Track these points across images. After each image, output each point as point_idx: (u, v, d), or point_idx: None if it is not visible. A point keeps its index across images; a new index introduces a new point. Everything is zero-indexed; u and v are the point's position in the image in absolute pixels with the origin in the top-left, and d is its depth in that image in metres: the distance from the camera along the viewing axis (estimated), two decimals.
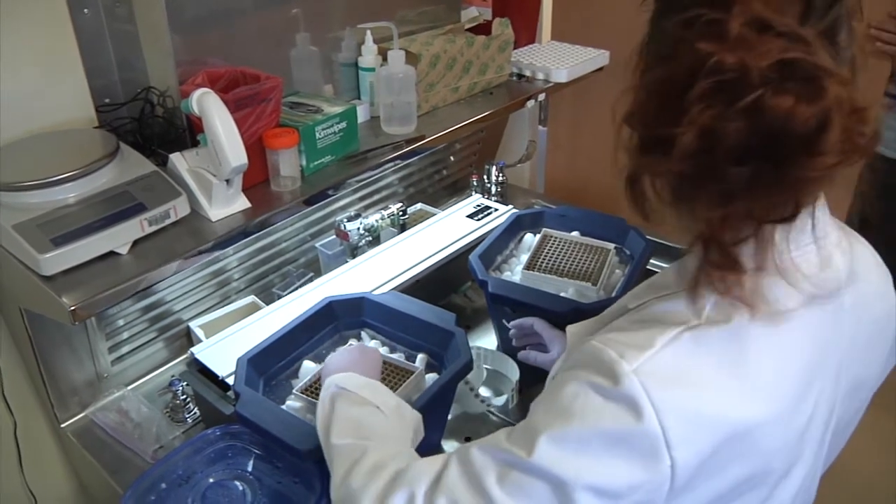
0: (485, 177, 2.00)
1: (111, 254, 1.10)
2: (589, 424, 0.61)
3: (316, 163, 1.33)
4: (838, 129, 0.53)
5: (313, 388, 1.17)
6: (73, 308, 1.00)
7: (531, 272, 1.44)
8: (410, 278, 1.52)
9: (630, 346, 0.62)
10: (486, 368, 1.42)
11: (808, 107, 0.53)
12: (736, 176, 0.56)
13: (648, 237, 1.50)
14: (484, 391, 1.37)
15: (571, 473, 0.61)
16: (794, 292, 0.65)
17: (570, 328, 0.79)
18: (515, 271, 1.49)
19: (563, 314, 1.29)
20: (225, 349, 1.32)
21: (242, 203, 1.23)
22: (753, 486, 0.67)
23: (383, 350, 1.28)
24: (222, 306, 1.53)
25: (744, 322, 0.63)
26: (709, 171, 0.56)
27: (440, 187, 2.03)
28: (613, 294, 1.39)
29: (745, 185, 0.56)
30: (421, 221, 1.74)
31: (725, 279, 0.61)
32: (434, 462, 0.71)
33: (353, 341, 1.29)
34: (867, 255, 0.75)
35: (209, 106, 1.11)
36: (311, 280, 1.58)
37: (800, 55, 0.53)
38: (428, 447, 1.26)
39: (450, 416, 1.30)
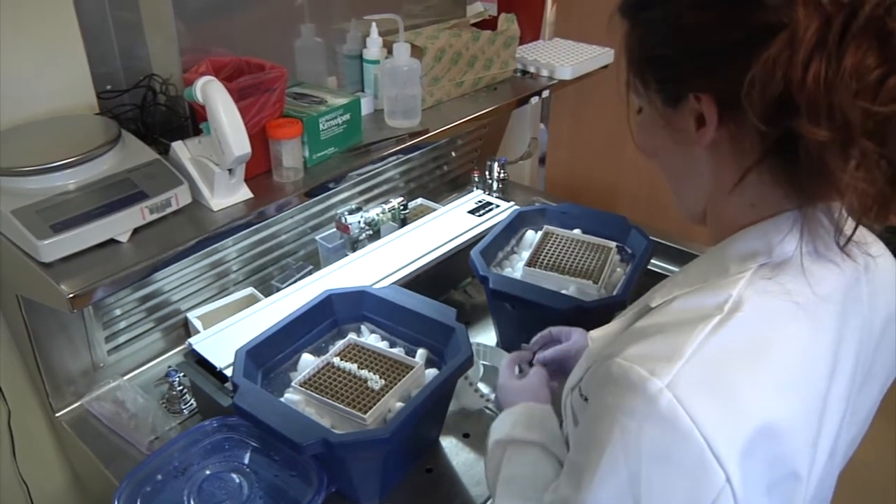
0: (486, 173, 1.99)
1: (111, 241, 1.08)
2: (633, 452, 0.59)
3: (319, 154, 1.32)
4: None
5: (312, 381, 1.17)
6: (71, 295, 0.99)
7: (532, 269, 1.43)
8: (410, 273, 1.52)
9: (658, 359, 0.59)
10: (484, 364, 1.41)
11: None
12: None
13: (650, 237, 1.49)
14: (482, 387, 1.36)
15: None
16: (828, 276, 0.64)
17: (592, 334, 0.76)
18: (516, 268, 1.48)
19: (564, 312, 1.28)
20: (223, 341, 1.31)
21: (245, 193, 1.21)
22: (783, 494, 0.66)
23: (383, 344, 1.27)
24: (220, 298, 1.52)
25: (770, 311, 0.62)
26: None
27: (441, 183, 2.02)
28: (615, 292, 1.38)
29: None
30: (422, 216, 1.73)
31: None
32: None
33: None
34: (876, 244, 0.75)
35: (213, 94, 1.09)
36: (310, 273, 1.57)
37: None
38: (426, 443, 1.26)
39: (448, 412, 1.30)
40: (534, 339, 1.23)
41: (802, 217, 0.63)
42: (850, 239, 0.63)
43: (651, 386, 0.58)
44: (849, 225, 0.63)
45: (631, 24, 0.68)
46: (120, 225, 1.08)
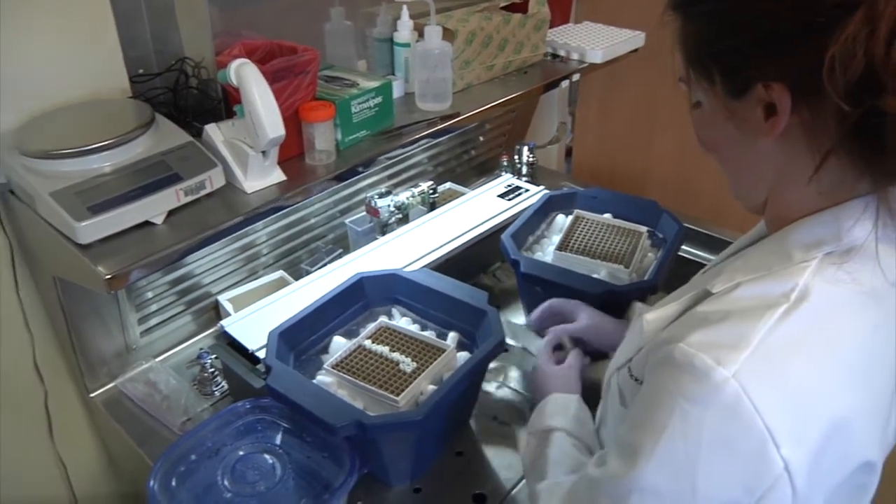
0: (515, 157, 1.98)
1: (146, 223, 1.09)
2: (693, 437, 0.59)
3: (351, 137, 1.32)
4: None
5: (344, 364, 1.17)
6: (108, 276, 1.00)
7: (563, 253, 1.42)
8: (440, 257, 1.51)
9: (724, 347, 0.59)
10: (512, 345, 1.40)
11: None
12: None
13: (683, 223, 1.48)
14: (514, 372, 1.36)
15: (688, 490, 0.59)
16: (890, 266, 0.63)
17: (647, 316, 0.75)
18: (547, 252, 1.47)
19: (595, 296, 1.28)
20: (254, 323, 1.31)
21: (278, 176, 1.22)
22: (860, 486, 0.65)
23: (414, 327, 1.27)
24: (250, 281, 1.52)
25: (838, 301, 0.62)
26: None
27: (468, 167, 2.01)
28: (646, 277, 1.37)
29: None
30: (450, 200, 1.73)
31: None
32: None
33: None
34: None
35: (248, 76, 1.09)
36: (339, 256, 1.57)
37: None
38: (457, 426, 1.26)
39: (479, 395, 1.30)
40: (535, 315, 1.28)
41: (879, 199, 0.62)
42: None
43: (717, 375, 0.57)
44: None
45: (684, 18, 0.66)
46: (155, 207, 1.08)
